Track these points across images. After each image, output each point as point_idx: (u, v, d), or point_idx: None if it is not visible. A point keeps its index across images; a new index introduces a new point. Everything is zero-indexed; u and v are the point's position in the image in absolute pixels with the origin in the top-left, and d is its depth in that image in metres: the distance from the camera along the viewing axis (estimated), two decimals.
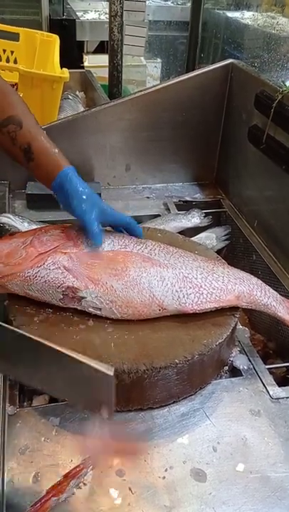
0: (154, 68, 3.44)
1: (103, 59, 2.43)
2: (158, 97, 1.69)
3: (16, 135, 1.04)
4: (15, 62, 2.25)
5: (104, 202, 1.09)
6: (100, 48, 3.47)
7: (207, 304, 1.03)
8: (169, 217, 1.59)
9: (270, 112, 1.40)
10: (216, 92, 1.72)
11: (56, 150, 1.06)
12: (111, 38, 2.09)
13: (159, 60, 3.51)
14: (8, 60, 2.26)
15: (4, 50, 2.26)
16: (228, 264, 1.26)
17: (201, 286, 1.04)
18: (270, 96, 1.43)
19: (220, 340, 1.01)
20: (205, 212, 1.68)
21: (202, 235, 1.59)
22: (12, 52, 2.27)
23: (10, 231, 1.33)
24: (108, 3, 2.09)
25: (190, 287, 1.04)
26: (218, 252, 1.53)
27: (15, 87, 1.88)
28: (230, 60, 1.70)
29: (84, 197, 1.03)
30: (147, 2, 2.58)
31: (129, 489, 0.85)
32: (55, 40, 2.23)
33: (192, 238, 1.53)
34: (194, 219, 1.58)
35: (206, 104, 1.74)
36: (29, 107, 1.97)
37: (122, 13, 2.04)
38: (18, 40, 2.28)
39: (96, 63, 3.03)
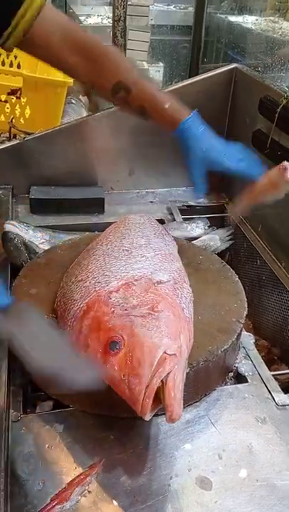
0: (156, 72, 3.44)
1: None
2: None
3: (128, 100, 1.07)
4: (18, 66, 2.25)
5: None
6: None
7: None
8: (173, 225, 1.59)
9: (275, 117, 1.40)
10: (220, 97, 1.72)
11: (168, 105, 1.09)
12: (114, 42, 2.10)
13: (161, 64, 3.51)
14: (11, 65, 2.26)
15: (8, 55, 2.26)
16: (232, 268, 1.26)
17: None
18: (274, 101, 1.42)
19: (225, 347, 1.01)
20: (209, 217, 1.67)
21: (205, 237, 1.59)
22: (15, 56, 2.27)
23: (14, 239, 1.33)
24: (111, 7, 2.10)
25: None
26: (222, 256, 1.52)
27: (18, 91, 1.88)
28: (234, 65, 1.70)
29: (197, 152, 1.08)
30: (150, 6, 2.59)
31: (134, 497, 0.84)
32: None
33: (196, 240, 1.53)
34: (198, 229, 1.59)
35: (210, 108, 1.72)
36: (33, 111, 1.98)
37: (125, 17, 2.04)
38: None
39: None
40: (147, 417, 0.81)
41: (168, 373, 0.81)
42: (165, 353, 0.83)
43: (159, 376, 0.80)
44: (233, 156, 1.10)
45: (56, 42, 1.02)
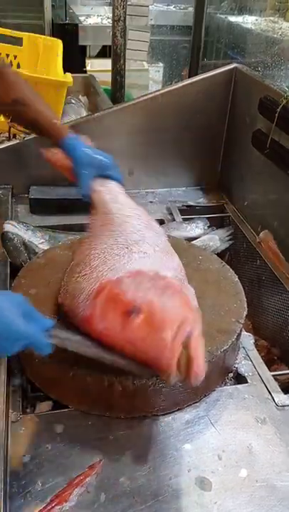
0: (156, 72, 3.44)
1: (106, 63, 2.43)
2: (162, 102, 1.69)
3: (25, 111, 1.23)
4: (18, 66, 2.24)
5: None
6: (103, 53, 3.47)
7: None
8: (173, 225, 1.59)
9: (275, 117, 1.39)
10: (220, 97, 1.72)
11: (56, 120, 1.25)
12: (114, 42, 2.09)
13: (161, 64, 3.51)
14: (11, 65, 2.26)
15: (8, 55, 2.26)
16: (232, 269, 1.25)
17: None
18: (274, 101, 1.42)
19: (225, 347, 1.00)
20: (208, 217, 1.67)
21: (205, 237, 1.59)
22: (15, 56, 2.26)
23: (14, 239, 1.33)
24: (111, 7, 2.09)
25: None
26: (222, 256, 1.52)
27: None
28: (234, 65, 1.70)
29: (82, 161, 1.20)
30: (150, 6, 2.59)
31: (134, 498, 0.84)
32: (58, 44, 2.22)
33: (195, 241, 1.53)
34: (197, 229, 1.59)
35: (210, 108, 1.73)
36: None
37: (125, 17, 2.03)
38: (21, 45, 2.28)
39: (99, 68, 3.03)
40: (172, 379, 0.80)
41: (191, 333, 0.81)
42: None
43: (184, 330, 0.80)
44: (110, 159, 1.26)
45: None
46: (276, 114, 1.39)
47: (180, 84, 1.71)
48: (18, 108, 1.23)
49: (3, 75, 1.24)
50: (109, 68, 2.18)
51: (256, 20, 2.74)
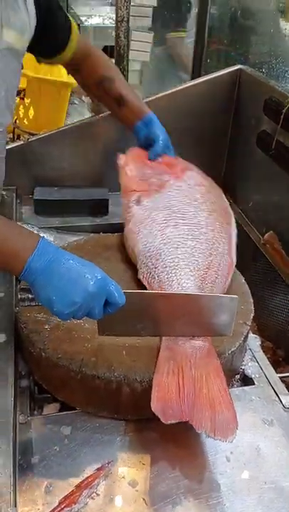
0: None
1: None
2: (166, 103, 1.69)
3: (110, 89, 1.39)
4: (21, 67, 2.24)
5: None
6: (104, 53, 3.46)
7: None
8: None
9: (280, 118, 1.40)
10: (225, 98, 1.72)
11: (141, 98, 1.46)
12: (117, 43, 2.08)
13: None
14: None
15: None
16: (237, 270, 1.25)
17: None
18: (279, 102, 1.42)
19: (232, 349, 1.00)
20: None
21: None
22: None
23: None
24: (114, 8, 2.09)
25: None
26: None
27: (22, 93, 1.88)
28: (238, 66, 1.70)
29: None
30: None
31: (143, 500, 0.84)
32: None
33: None
34: None
35: (214, 109, 1.73)
36: (37, 112, 1.99)
37: (128, 18, 2.03)
38: None
39: None
40: None
41: None
42: None
43: None
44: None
45: (78, 54, 1.37)
46: (281, 116, 1.40)
47: (184, 86, 1.71)
48: (106, 85, 1.37)
49: (92, 52, 1.40)
50: None
51: (260, 20, 2.74)
